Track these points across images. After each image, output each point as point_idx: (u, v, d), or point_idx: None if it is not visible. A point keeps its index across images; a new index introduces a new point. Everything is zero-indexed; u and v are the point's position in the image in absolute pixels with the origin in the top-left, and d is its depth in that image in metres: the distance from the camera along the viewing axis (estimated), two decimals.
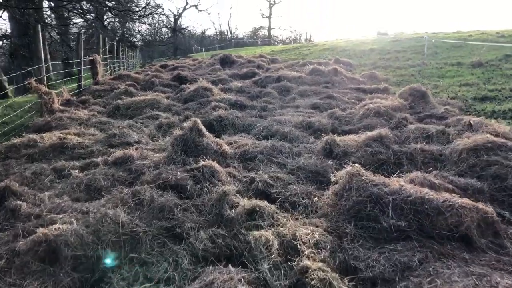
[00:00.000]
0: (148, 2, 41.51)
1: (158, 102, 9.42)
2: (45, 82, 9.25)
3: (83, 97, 10.84)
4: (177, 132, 5.49)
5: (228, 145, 6.00)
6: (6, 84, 21.28)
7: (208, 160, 5.12)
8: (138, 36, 72.13)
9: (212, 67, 17.02)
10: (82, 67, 12.55)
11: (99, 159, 5.58)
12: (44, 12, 35.00)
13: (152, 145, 6.52)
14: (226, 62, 18.66)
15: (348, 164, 5.49)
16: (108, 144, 6.45)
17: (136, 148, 6.11)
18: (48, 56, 29.38)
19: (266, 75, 12.21)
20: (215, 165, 4.68)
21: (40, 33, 8.93)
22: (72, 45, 42.16)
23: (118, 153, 5.60)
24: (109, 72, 19.11)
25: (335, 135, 6.29)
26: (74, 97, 10.82)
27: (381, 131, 5.74)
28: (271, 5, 76.26)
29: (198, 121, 5.44)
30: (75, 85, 15.11)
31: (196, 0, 75.51)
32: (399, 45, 22.38)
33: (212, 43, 68.83)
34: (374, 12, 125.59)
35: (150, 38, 73.21)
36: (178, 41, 70.93)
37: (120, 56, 24.61)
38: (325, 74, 12.16)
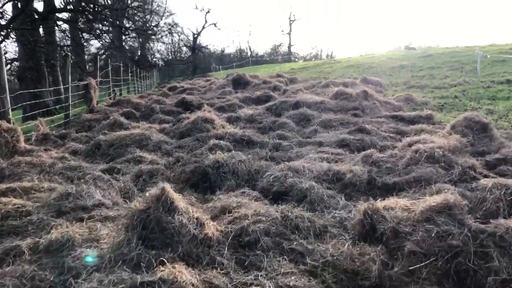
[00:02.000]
0: (158, 21, 40.74)
1: (148, 138, 7.64)
2: (10, 116, 7.58)
3: (64, 131, 9.17)
4: (136, 204, 3.61)
5: (218, 216, 4.12)
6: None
7: (181, 253, 3.27)
8: (157, 55, 72.12)
9: (222, 90, 15.25)
10: (70, 94, 10.91)
11: (26, 243, 3.75)
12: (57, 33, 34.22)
13: (118, 209, 4.69)
14: (239, 83, 16.90)
15: (403, 254, 3.58)
16: (56, 210, 4.61)
17: (89, 219, 4.29)
18: (60, 79, 28.35)
19: (282, 100, 10.32)
20: (183, 276, 2.77)
21: (3, 56, 7.29)
22: (88, 67, 41.38)
23: (55, 234, 3.77)
24: (112, 96, 17.62)
25: (377, 194, 4.41)
26: (53, 131, 9.15)
27: (448, 198, 3.74)
28: (291, 22, 75.53)
29: (168, 188, 3.56)
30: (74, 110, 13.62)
31: (215, 18, 74.22)
32: (432, 60, 20.25)
33: (232, 61, 67.75)
34: (396, 25, 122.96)
35: (169, 57, 72.85)
36: (198, 59, 70.22)
37: (129, 77, 23.21)
38: (353, 98, 10.20)
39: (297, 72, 24.43)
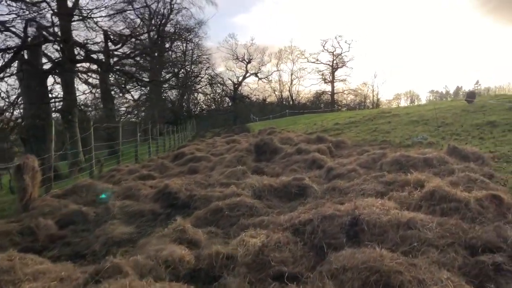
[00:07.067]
0: (198, 73, 38.09)
1: None
2: None
3: None
4: None
5: None
6: None
7: None
8: (200, 104, 70.59)
9: (233, 168, 10.02)
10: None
11: None
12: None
13: None
14: (264, 151, 12.05)
15: None
16: None
17: None
18: (79, 135, 24.61)
19: (326, 214, 5.21)
20: None
21: None
22: (122, 119, 38.42)
23: None
24: (98, 167, 13.25)
25: None
26: None
27: None
28: (334, 70, 72.76)
29: None
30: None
31: (256, 67, 71.82)
32: None
33: (274, 110, 64.38)
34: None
35: (212, 107, 70.69)
36: (239, 109, 67.61)
37: (137, 138, 18.94)
38: (472, 211, 4.99)
39: (344, 130, 19.38)
